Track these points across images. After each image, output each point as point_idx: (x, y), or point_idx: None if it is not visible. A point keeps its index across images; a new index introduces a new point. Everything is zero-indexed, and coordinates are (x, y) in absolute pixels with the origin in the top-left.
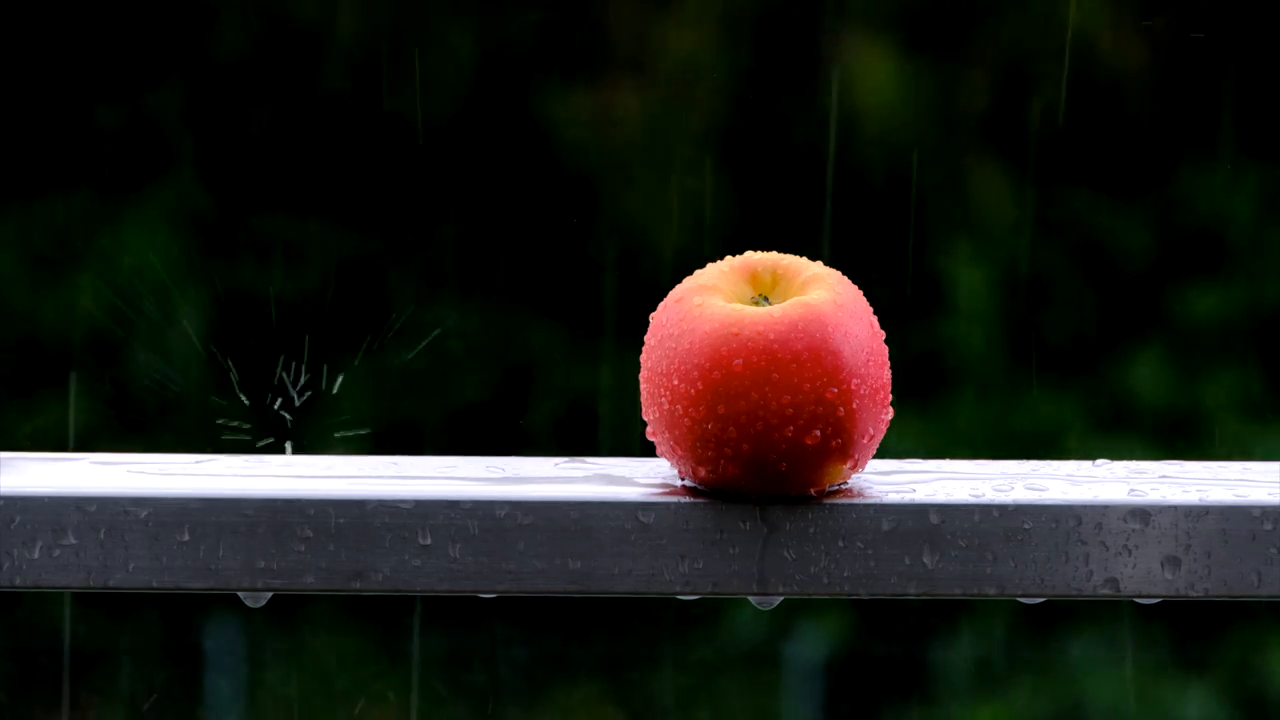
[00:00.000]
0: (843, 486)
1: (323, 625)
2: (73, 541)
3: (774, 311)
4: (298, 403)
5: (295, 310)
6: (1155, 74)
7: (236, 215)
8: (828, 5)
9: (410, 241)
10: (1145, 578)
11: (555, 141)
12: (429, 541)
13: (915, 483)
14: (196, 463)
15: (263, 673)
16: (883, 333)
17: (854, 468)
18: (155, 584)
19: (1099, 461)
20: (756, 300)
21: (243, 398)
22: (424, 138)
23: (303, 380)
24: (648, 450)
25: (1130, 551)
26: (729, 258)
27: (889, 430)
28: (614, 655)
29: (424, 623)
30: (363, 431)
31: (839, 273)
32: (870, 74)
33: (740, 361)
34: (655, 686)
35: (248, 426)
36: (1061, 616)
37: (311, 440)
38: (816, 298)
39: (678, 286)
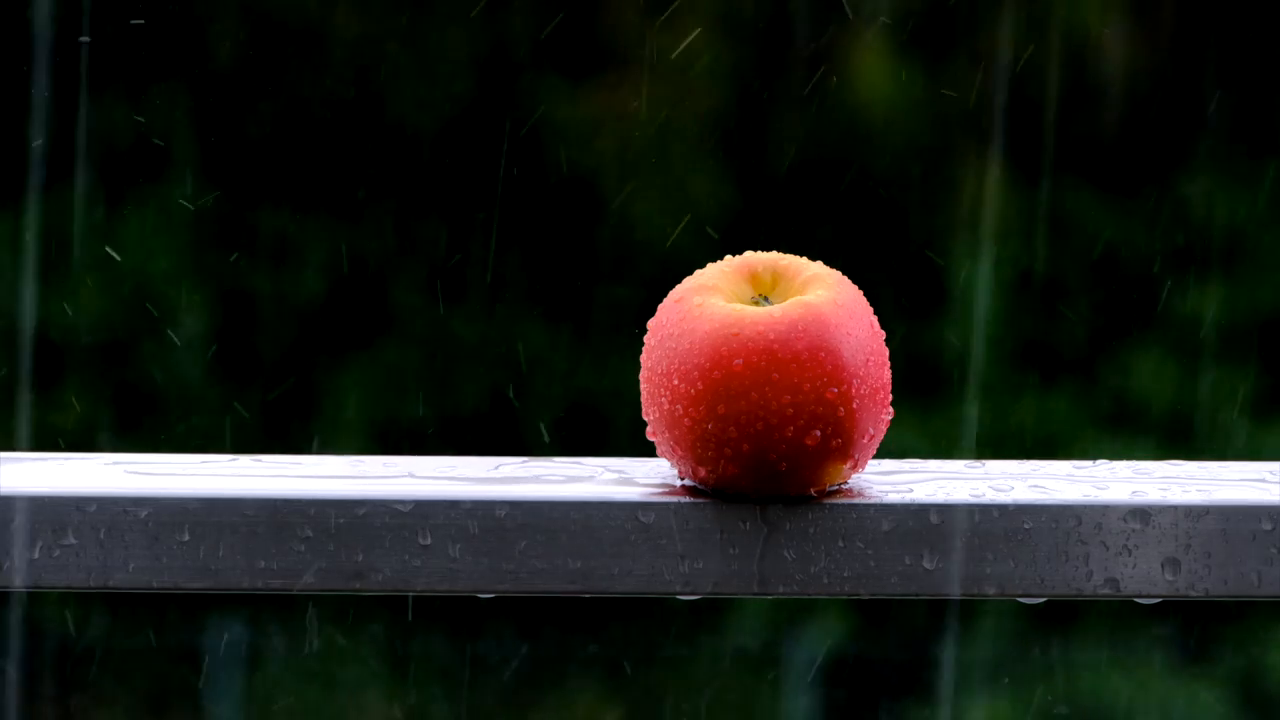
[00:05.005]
0: (843, 486)
1: (322, 625)
2: (73, 541)
3: (774, 311)
4: (298, 402)
5: (296, 310)
6: (1156, 73)
7: (238, 215)
8: (828, 5)
9: (411, 241)
10: (1145, 578)
11: (556, 142)
12: (429, 541)
13: (915, 483)
14: (197, 463)
15: (263, 672)
16: (883, 333)
17: (854, 468)
18: (155, 584)
19: (1099, 461)
20: (756, 300)
21: (243, 397)
22: (425, 137)
23: (304, 380)
24: (648, 450)
25: (1130, 551)
26: (729, 258)
27: (889, 430)
28: (614, 655)
29: (423, 623)
30: (363, 431)
31: (839, 273)
32: (870, 73)
33: (740, 361)
34: (655, 686)
35: (248, 426)
36: (1062, 616)
37: (311, 440)
38: (816, 297)
39: (678, 286)
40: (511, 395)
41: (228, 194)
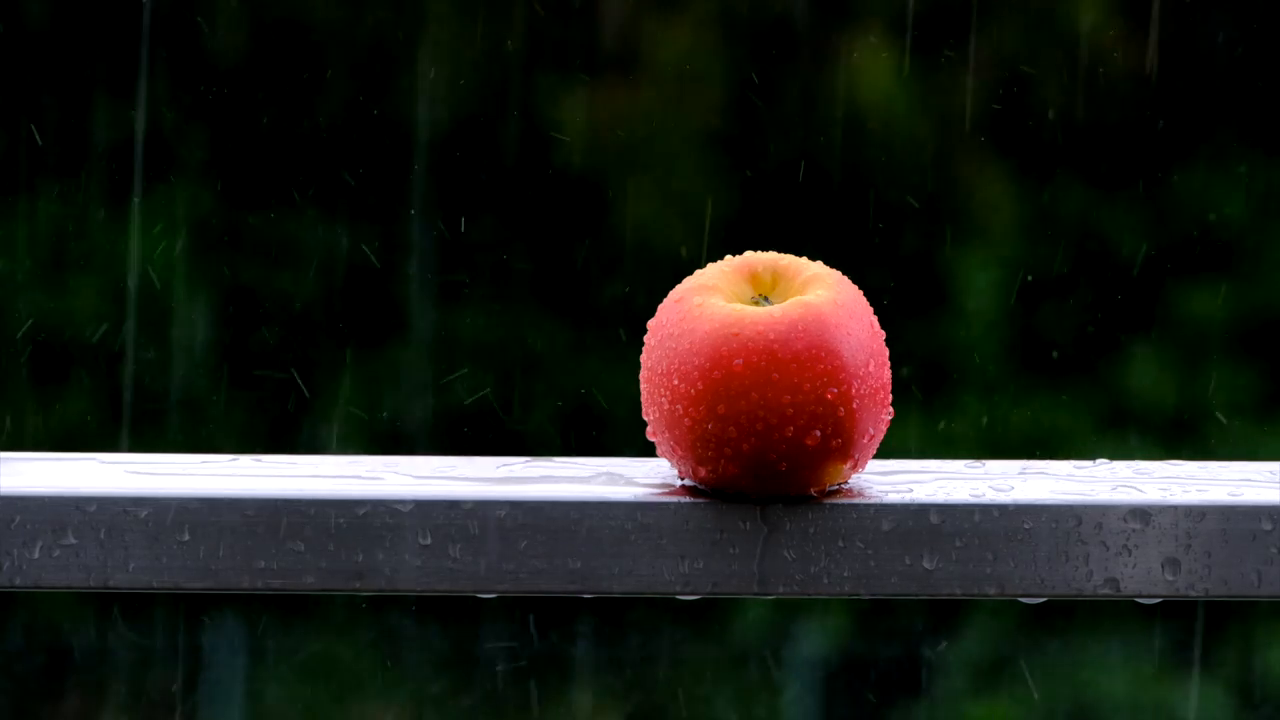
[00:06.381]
0: (843, 486)
1: (323, 625)
2: (73, 541)
3: (774, 311)
4: (298, 402)
5: (297, 310)
6: (1155, 72)
7: (239, 215)
8: (828, 5)
9: (411, 241)
10: (1145, 578)
11: (556, 141)
12: (429, 541)
13: (915, 483)
14: (197, 463)
15: (263, 673)
16: (883, 333)
17: (854, 468)
18: (155, 584)
19: (1099, 461)
20: (756, 300)
21: (244, 397)
22: (425, 137)
23: (304, 380)
24: (648, 450)
25: (1130, 551)
26: (729, 258)
27: (890, 430)
28: (614, 655)
29: (423, 623)
30: (363, 431)
31: (839, 273)
32: (871, 73)
33: (740, 361)
34: (655, 686)
35: (248, 426)
36: (1062, 616)
37: (312, 440)
38: (817, 297)
39: (678, 286)
40: (511, 395)
41: (230, 193)
